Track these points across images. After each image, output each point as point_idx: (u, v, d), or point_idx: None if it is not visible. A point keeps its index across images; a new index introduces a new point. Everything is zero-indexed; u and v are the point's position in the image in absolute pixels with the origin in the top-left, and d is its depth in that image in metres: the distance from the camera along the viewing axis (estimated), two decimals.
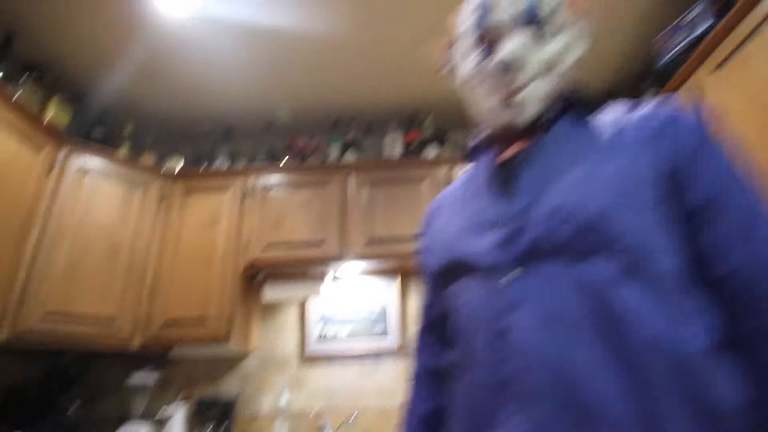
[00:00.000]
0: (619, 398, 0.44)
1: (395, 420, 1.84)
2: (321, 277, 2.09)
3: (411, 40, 1.91)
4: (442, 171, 2.11)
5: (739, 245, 0.49)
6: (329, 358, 2.08)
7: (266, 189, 2.11)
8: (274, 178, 2.13)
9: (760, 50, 1.31)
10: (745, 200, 0.52)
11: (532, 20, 0.58)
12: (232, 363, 2.08)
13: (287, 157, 2.27)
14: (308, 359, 2.08)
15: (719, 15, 1.48)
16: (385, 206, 2.05)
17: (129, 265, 1.93)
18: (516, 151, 0.62)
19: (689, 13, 1.59)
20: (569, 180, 0.53)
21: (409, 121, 2.39)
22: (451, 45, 0.70)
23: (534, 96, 0.59)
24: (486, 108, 0.63)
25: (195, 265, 1.98)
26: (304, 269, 2.07)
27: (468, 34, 0.63)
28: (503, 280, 0.52)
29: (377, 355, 2.07)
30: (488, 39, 0.61)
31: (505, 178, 0.60)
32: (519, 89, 0.58)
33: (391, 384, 2.02)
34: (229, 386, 2.04)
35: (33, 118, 1.75)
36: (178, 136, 2.50)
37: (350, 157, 2.22)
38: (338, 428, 1.90)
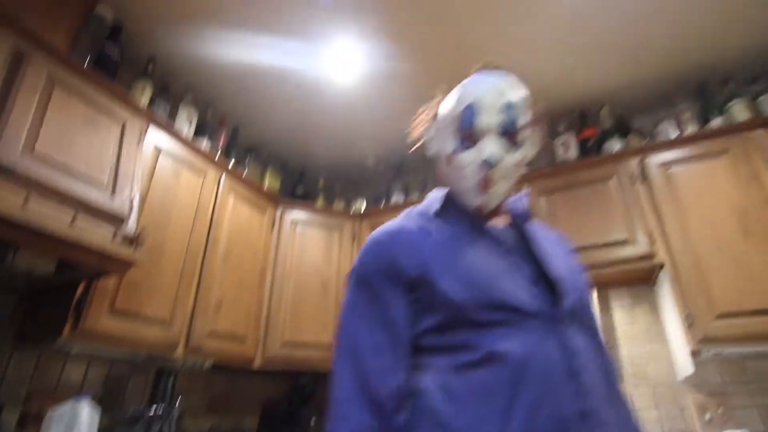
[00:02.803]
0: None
1: None
2: None
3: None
4: (632, 164, 1.87)
5: None
6: None
7: None
8: None
9: None
10: None
11: (508, 131, 0.72)
12: None
13: None
14: None
15: None
16: (568, 214, 1.90)
17: (336, 297, 2.24)
18: (505, 224, 0.78)
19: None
20: (566, 264, 0.75)
21: (581, 118, 2.20)
22: (432, 119, 0.83)
23: (501, 190, 0.74)
24: (463, 187, 0.75)
25: None
26: None
27: (451, 123, 0.76)
28: (563, 330, 0.63)
29: None
30: (471, 136, 0.73)
31: (516, 245, 0.74)
32: (493, 183, 0.72)
33: None
34: None
35: (257, 188, 2.24)
36: (359, 182, 2.83)
37: None
38: None
